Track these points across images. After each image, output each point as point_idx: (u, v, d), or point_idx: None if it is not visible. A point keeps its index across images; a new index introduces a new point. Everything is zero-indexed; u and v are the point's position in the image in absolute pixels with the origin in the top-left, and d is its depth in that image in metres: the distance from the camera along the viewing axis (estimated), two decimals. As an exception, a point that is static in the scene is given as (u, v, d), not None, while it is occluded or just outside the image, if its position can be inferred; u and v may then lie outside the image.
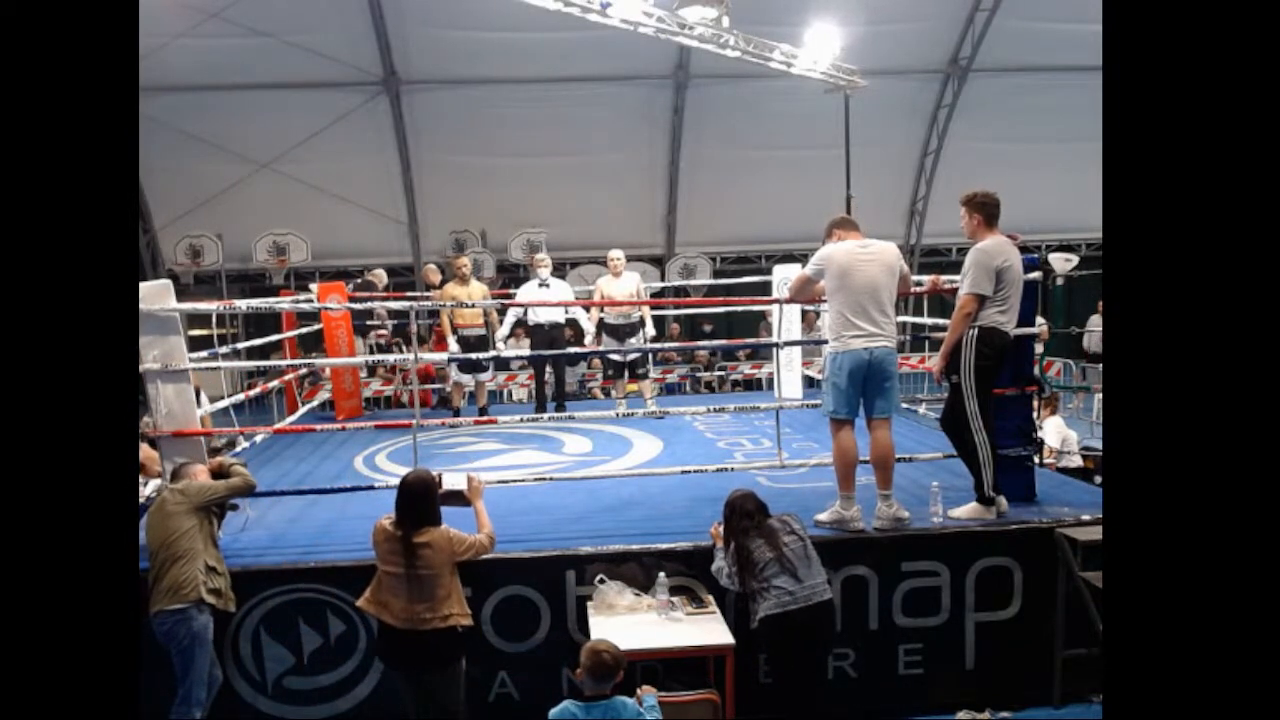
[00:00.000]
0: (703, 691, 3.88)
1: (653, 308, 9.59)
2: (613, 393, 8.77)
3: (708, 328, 14.08)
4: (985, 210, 4.72)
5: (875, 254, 4.63)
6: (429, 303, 8.17)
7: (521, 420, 7.49)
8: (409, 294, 10.77)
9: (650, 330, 8.47)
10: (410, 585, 3.79)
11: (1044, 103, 14.52)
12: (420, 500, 3.88)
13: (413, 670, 3.90)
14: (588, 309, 8.39)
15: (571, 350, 8.63)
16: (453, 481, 4.35)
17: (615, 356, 8.24)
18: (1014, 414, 5.16)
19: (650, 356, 9.00)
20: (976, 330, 4.65)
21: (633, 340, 8.16)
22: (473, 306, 7.95)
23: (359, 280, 10.17)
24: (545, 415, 7.35)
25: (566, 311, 8.41)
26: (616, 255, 8.19)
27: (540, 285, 8.29)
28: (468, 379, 8.42)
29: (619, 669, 3.37)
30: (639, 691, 3.57)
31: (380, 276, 9.87)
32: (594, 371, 12.00)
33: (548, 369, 8.71)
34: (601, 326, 8.32)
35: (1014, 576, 4.72)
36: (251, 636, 4.47)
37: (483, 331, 8.33)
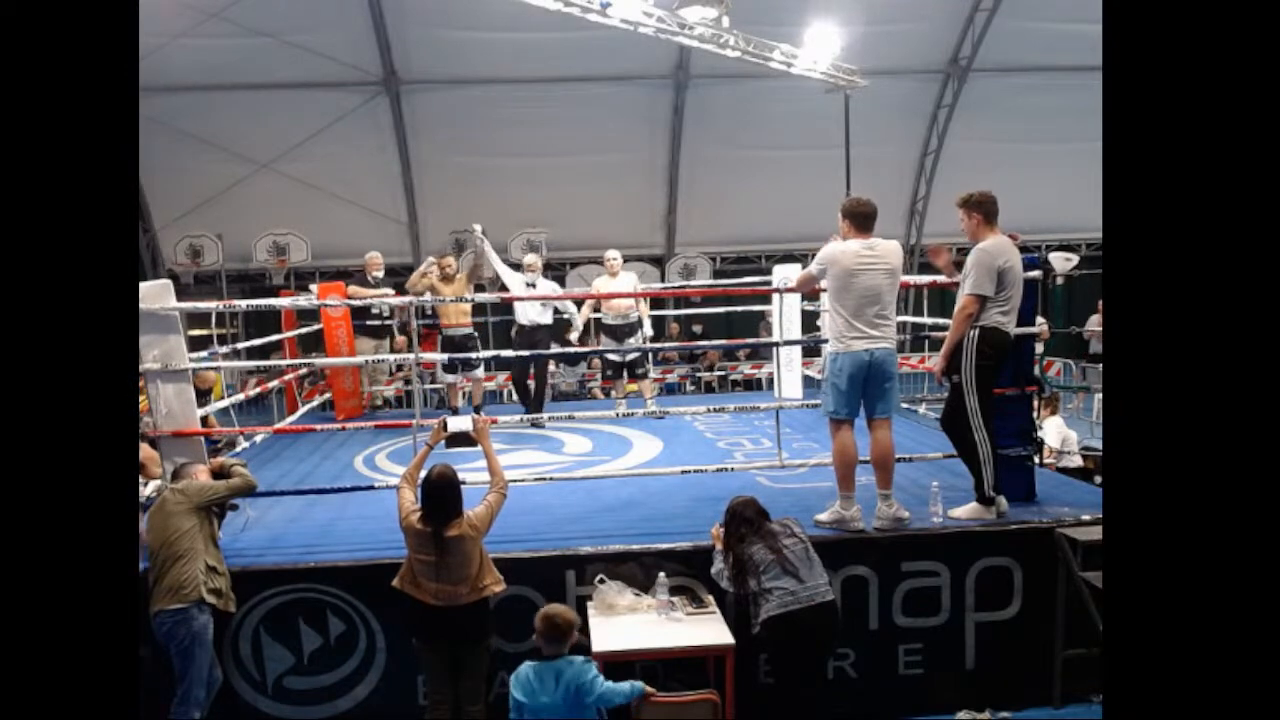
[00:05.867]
0: (703, 691, 3.88)
1: (652, 307, 9.52)
2: (613, 393, 8.76)
3: (697, 328, 14.07)
4: (984, 209, 4.71)
5: (879, 256, 4.59)
6: (426, 297, 8.06)
7: (521, 420, 7.48)
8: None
9: (648, 330, 8.42)
10: (442, 571, 3.90)
11: (1044, 103, 14.53)
12: (446, 496, 3.94)
13: (448, 644, 3.99)
14: (579, 305, 8.34)
15: (571, 350, 8.59)
16: (458, 424, 4.42)
17: (614, 357, 8.21)
18: (1014, 414, 5.15)
19: (650, 356, 8.96)
20: (978, 330, 4.64)
21: (630, 340, 8.14)
22: (459, 301, 7.78)
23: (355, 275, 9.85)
24: (545, 415, 7.32)
25: (557, 311, 8.31)
26: (613, 255, 8.15)
27: (528, 285, 8.18)
28: (452, 379, 8.24)
29: (571, 630, 3.67)
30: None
31: (373, 260, 9.22)
32: (594, 372, 12.01)
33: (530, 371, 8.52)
34: (599, 328, 8.27)
35: (1014, 576, 4.71)
36: (251, 636, 4.47)
37: (468, 330, 8.11)
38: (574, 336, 8.20)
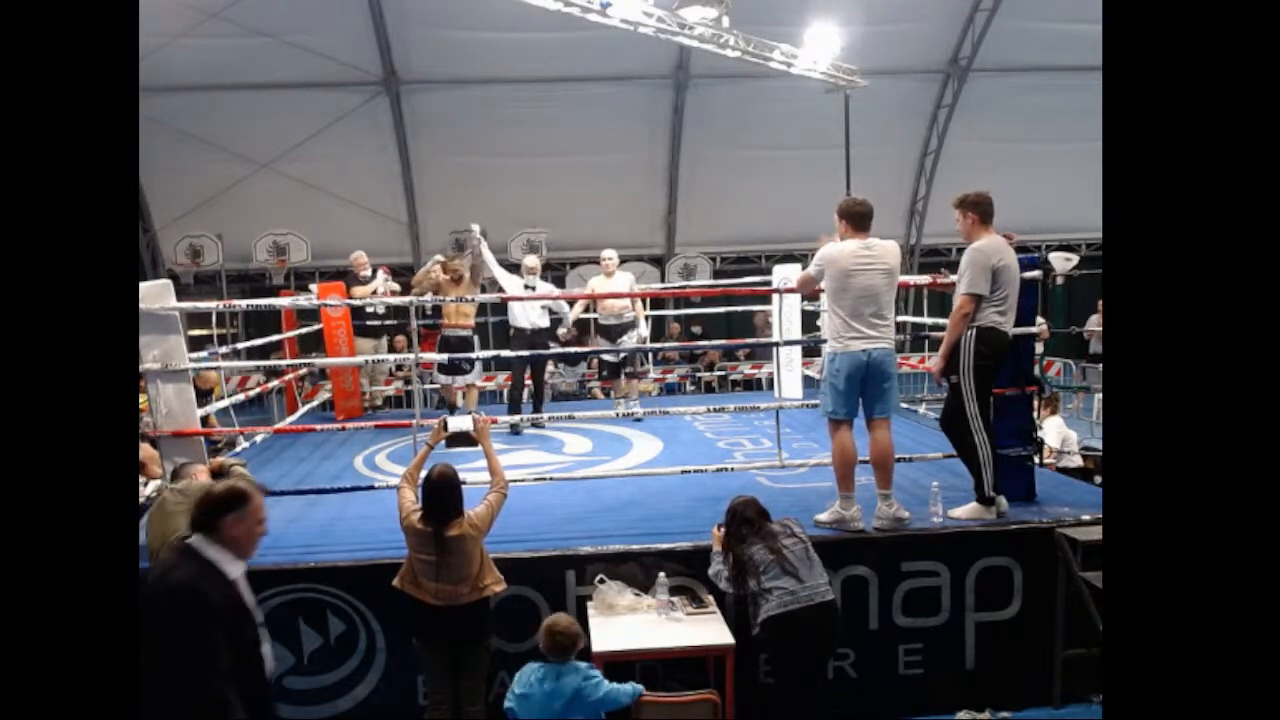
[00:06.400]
0: (703, 691, 3.88)
1: (652, 306, 9.49)
2: (612, 393, 8.74)
3: (697, 328, 14.05)
4: (979, 209, 4.72)
5: (876, 256, 4.60)
6: (430, 297, 8.00)
7: (522, 420, 7.47)
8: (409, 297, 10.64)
9: (643, 331, 8.33)
10: (442, 571, 3.90)
11: (1044, 103, 14.52)
12: (446, 496, 3.94)
13: (448, 644, 4.00)
14: (571, 303, 8.31)
15: (569, 350, 8.55)
16: (458, 424, 4.45)
17: (608, 357, 8.18)
18: (1014, 414, 5.16)
19: (649, 356, 8.93)
20: (975, 330, 4.64)
21: (622, 340, 8.06)
22: (462, 301, 7.67)
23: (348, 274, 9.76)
24: (545, 415, 7.32)
25: (551, 312, 8.15)
26: (609, 255, 8.09)
27: (526, 287, 8.00)
28: (445, 380, 7.97)
29: (576, 642, 3.70)
30: None
31: (358, 259, 9.31)
32: (593, 371, 12.00)
33: (526, 374, 8.27)
34: (596, 328, 8.24)
35: (1014, 576, 4.72)
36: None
37: (467, 334, 7.95)
38: (561, 332, 8.13)
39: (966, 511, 4.82)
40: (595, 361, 10.87)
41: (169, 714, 2.50)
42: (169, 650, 2.51)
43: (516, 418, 7.26)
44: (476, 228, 7.67)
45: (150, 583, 2.66)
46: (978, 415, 4.69)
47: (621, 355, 8.10)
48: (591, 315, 8.73)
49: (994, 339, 4.65)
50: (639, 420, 7.50)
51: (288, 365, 8.32)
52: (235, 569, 2.72)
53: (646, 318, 8.72)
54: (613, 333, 8.19)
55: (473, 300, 7.52)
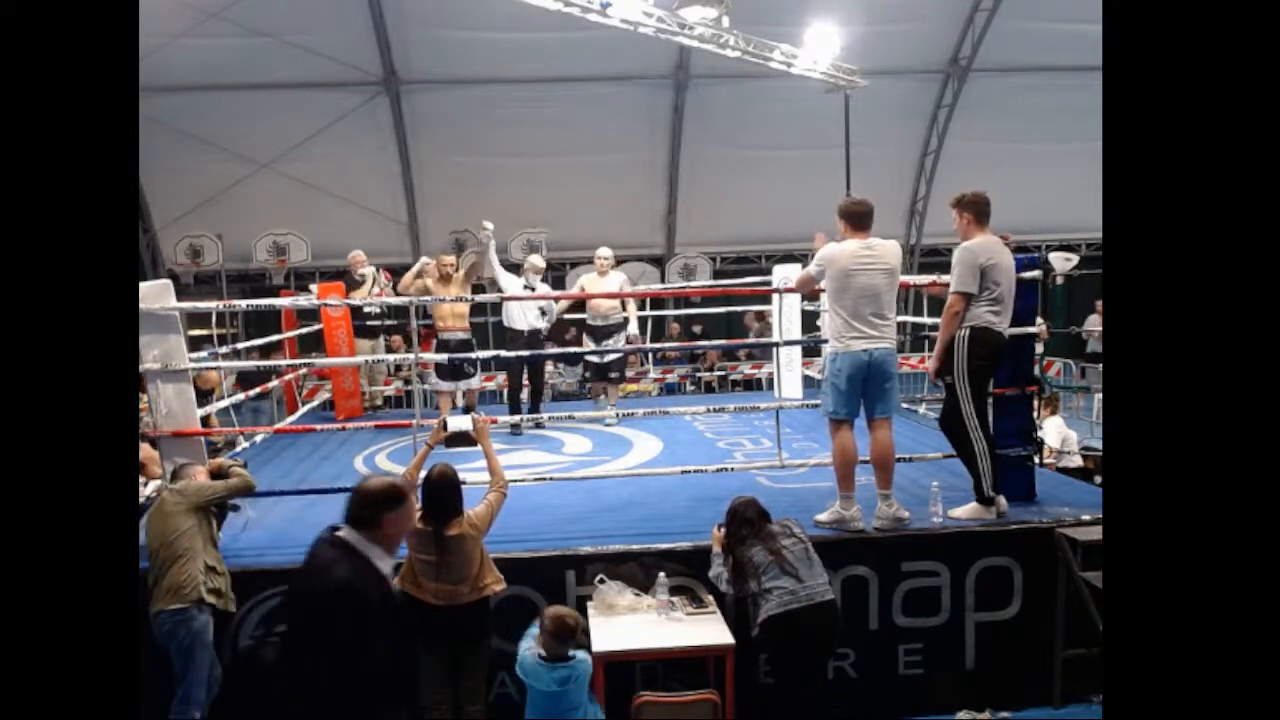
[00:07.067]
0: (703, 691, 3.89)
1: (652, 307, 9.45)
2: (601, 397, 8.69)
3: (697, 328, 14.04)
4: (975, 209, 4.72)
5: (877, 256, 4.60)
6: (426, 298, 7.92)
7: (522, 420, 7.47)
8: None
9: (633, 331, 8.16)
10: (442, 571, 3.91)
11: (1044, 103, 14.52)
12: (446, 496, 3.95)
13: (448, 644, 4.00)
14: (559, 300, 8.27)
15: (564, 351, 8.54)
16: (458, 424, 4.46)
17: (594, 359, 8.13)
18: (1014, 414, 5.16)
19: (648, 356, 8.88)
20: (968, 330, 4.64)
21: (608, 342, 7.97)
22: (456, 301, 7.46)
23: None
24: (545, 415, 7.32)
25: (542, 312, 7.98)
26: (605, 254, 7.99)
27: (525, 287, 7.93)
28: (448, 387, 7.65)
29: (578, 631, 3.76)
30: None
31: (355, 259, 9.28)
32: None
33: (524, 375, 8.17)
34: (583, 328, 8.19)
35: (1014, 576, 4.72)
36: (251, 636, 4.46)
37: (465, 336, 7.77)
38: (544, 326, 8.07)
39: (966, 511, 4.82)
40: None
41: (322, 707, 2.53)
42: (328, 647, 2.53)
43: (517, 418, 7.25)
44: (490, 226, 7.57)
45: (307, 574, 2.66)
46: (974, 416, 4.69)
47: (606, 358, 8.04)
48: (583, 315, 8.68)
49: (988, 339, 4.64)
50: (608, 426, 7.48)
51: (288, 365, 8.32)
52: (386, 564, 2.74)
53: (640, 317, 8.66)
54: (598, 334, 8.09)
55: (466, 300, 7.47)
